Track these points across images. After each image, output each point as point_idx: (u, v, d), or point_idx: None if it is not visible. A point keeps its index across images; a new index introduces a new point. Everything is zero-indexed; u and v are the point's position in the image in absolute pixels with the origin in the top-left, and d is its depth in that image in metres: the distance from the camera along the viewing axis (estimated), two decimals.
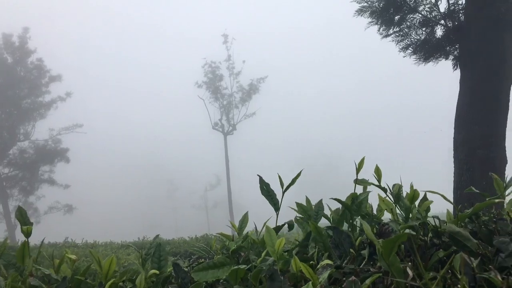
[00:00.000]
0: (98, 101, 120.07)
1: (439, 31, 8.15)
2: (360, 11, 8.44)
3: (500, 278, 0.92)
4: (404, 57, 8.75)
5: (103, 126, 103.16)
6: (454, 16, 7.66)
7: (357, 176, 1.57)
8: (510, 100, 7.16)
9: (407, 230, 1.26)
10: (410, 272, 1.04)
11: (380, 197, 1.46)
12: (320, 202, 1.59)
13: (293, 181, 1.53)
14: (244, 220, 1.68)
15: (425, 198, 1.84)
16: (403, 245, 1.28)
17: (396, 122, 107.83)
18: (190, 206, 73.13)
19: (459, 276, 0.99)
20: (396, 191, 1.79)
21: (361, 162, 1.55)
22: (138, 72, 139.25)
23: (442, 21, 7.88)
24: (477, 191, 1.70)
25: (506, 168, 7.32)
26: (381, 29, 8.21)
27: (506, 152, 7.30)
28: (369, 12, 8.34)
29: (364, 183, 1.65)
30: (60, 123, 39.15)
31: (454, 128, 7.60)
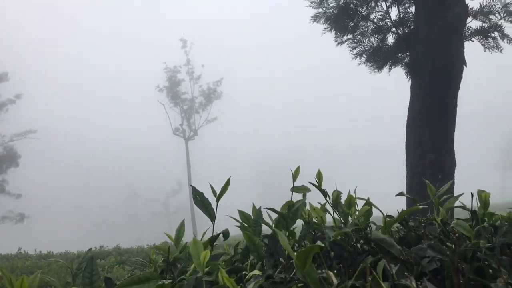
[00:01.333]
0: (55, 105, 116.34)
1: (390, 39, 8.42)
2: (316, 17, 8.59)
3: (414, 285, 0.93)
4: (359, 64, 8.97)
5: (59, 130, 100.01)
6: (404, 24, 7.92)
7: (293, 184, 1.58)
8: (457, 105, 7.47)
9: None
10: (334, 279, 1.04)
11: (311, 205, 1.47)
12: (259, 209, 1.57)
13: (224, 190, 1.51)
14: (181, 229, 1.65)
15: (368, 203, 1.86)
16: (332, 252, 1.29)
17: (355, 129, 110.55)
18: (151, 213, 71.84)
19: (382, 283, 1.00)
20: (335, 197, 1.81)
21: (297, 170, 1.56)
22: (96, 75, 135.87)
23: (394, 29, 8.13)
24: (408, 196, 1.74)
25: (455, 170, 7.64)
26: (335, 36, 8.38)
27: (455, 156, 7.60)
28: (324, 18, 8.51)
29: (301, 190, 1.65)
30: (14, 128, 37.63)
31: (406, 132, 7.84)
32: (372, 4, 7.99)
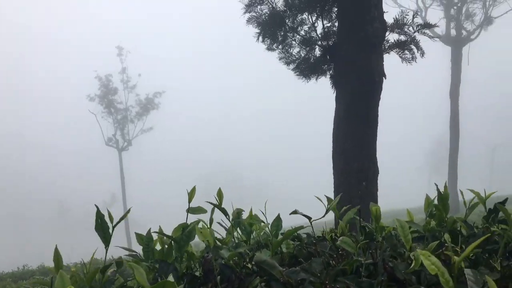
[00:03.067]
0: None
1: (317, 51, 8.69)
2: (250, 20, 8.69)
3: None
4: (289, 69, 9.18)
5: None
6: (329, 38, 8.22)
7: (189, 205, 1.55)
8: (378, 116, 7.86)
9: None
10: None
11: (197, 229, 1.44)
12: (148, 231, 1.53)
13: (123, 217, 1.46)
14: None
15: (278, 218, 1.87)
16: (219, 277, 1.27)
17: (290, 139, 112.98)
18: (83, 228, 68.55)
19: None
20: (235, 216, 1.80)
21: (193, 191, 1.53)
22: (30, 81, 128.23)
23: (319, 42, 8.40)
24: (302, 214, 1.76)
25: (378, 178, 8.01)
26: (266, 42, 8.53)
27: (378, 163, 7.96)
28: (256, 23, 8.62)
29: (198, 211, 1.63)
30: None
31: (332, 141, 8.10)
32: (298, 19, 8.22)
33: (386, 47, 8.43)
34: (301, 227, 1.47)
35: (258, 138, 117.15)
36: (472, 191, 1.97)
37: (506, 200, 1.78)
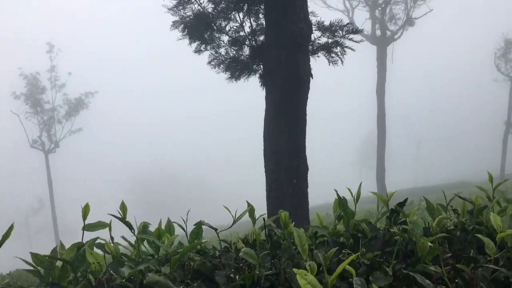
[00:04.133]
0: None
1: (246, 50, 8.72)
2: (175, 24, 8.53)
3: None
4: (218, 73, 9.13)
5: None
6: (256, 37, 8.27)
7: (84, 222, 1.45)
8: (307, 114, 8.04)
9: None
10: None
11: (87, 250, 1.36)
12: (54, 249, 1.42)
13: (3, 238, 1.33)
14: None
15: (198, 226, 1.81)
16: None
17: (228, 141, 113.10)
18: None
19: None
20: (140, 229, 1.73)
21: (86, 208, 1.44)
22: None
23: (248, 42, 8.43)
24: (208, 224, 1.72)
25: (308, 175, 8.20)
26: (192, 44, 8.43)
27: (307, 161, 8.14)
28: (182, 26, 8.48)
29: (97, 227, 1.53)
30: None
31: (263, 141, 8.16)
32: (226, 19, 8.20)
33: (314, 48, 8.65)
34: (201, 242, 1.43)
35: (192, 139, 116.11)
36: (374, 193, 2.03)
37: (406, 200, 1.86)
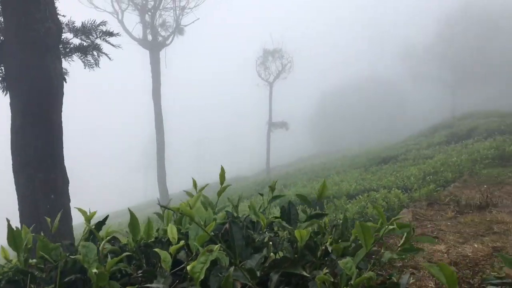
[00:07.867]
0: None
1: None
2: None
3: None
4: None
5: None
6: None
7: None
8: (62, 121, 7.38)
9: None
10: None
11: None
12: None
13: None
14: None
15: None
16: None
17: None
18: None
19: None
20: None
21: None
22: None
23: None
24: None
25: (69, 187, 7.56)
26: None
27: (67, 172, 7.50)
28: None
29: None
30: None
31: (11, 154, 7.19)
32: None
33: (68, 50, 8.06)
34: None
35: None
36: (79, 209, 1.90)
37: (107, 217, 1.77)
